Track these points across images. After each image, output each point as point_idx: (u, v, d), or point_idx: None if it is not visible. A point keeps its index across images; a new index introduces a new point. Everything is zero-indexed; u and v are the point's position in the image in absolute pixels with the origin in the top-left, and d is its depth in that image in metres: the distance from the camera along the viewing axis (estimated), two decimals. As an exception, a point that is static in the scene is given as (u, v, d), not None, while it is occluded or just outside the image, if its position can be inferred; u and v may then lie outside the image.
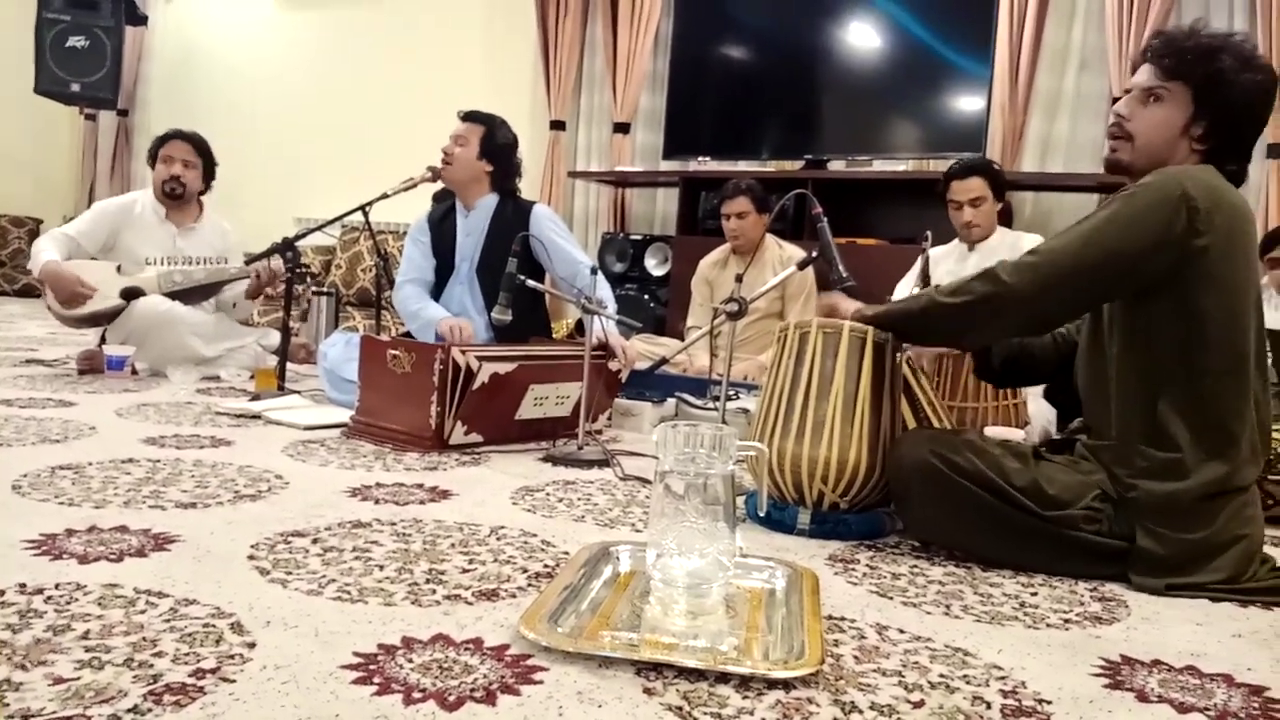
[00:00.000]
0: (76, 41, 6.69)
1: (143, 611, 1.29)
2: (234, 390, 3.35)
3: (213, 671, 1.12)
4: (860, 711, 1.13)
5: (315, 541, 1.66)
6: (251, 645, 1.20)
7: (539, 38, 5.81)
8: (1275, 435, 1.89)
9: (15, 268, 7.16)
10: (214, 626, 1.25)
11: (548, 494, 2.14)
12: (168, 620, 1.26)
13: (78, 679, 1.08)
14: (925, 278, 3.08)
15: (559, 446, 2.58)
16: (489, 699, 1.10)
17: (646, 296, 5.09)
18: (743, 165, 5.09)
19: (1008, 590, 1.64)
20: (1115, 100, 1.85)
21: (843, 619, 1.45)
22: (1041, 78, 4.51)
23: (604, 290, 3.00)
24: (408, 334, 3.22)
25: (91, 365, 3.51)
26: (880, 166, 4.79)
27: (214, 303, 3.85)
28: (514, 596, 1.45)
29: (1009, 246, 3.24)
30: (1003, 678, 1.26)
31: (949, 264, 3.48)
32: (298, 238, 3.41)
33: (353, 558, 1.58)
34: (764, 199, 3.76)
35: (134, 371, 3.48)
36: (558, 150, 5.80)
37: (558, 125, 5.82)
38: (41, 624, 1.22)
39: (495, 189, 3.22)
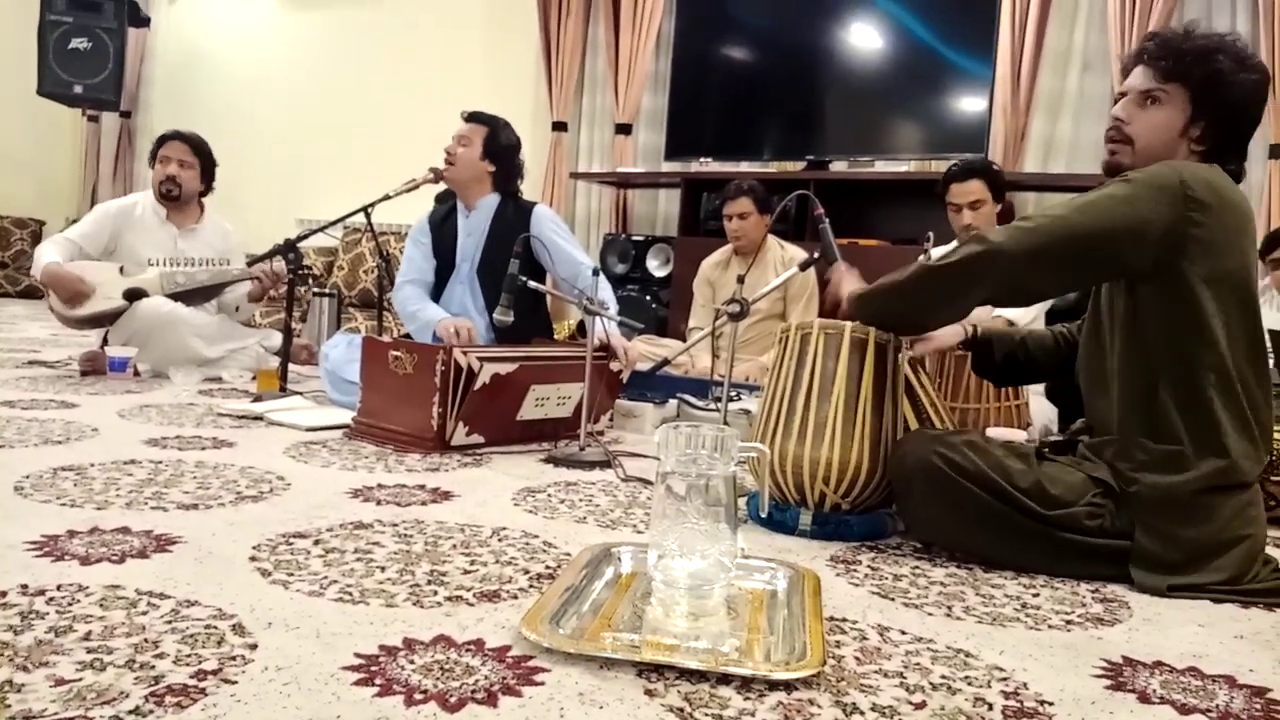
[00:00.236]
0: (79, 43, 6.70)
1: (144, 613, 1.29)
2: (236, 391, 3.35)
3: (214, 673, 1.12)
4: (862, 713, 1.13)
5: (317, 543, 1.66)
6: (253, 646, 1.20)
7: (541, 39, 5.81)
8: (1276, 435, 1.89)
9: (18, 269, 7.17)
10: (215, 628, 1.25)
11: (549, 495, 2.14)
12: (169, 621, 1.26)
13: (79, 680, 1.08)
14: None
15: (560, 448, 2.58)
16: (490, 700, 1.10)
17: (648, 297, 5.09)
18: (744, 166, 5.09)
19: (1009, 591, 1.64)
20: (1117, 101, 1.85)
21: (844, 620, 1.45)
22: (1044, 78, 4.51)
23: (605, 291, 3.00)
24: (409, 335, 3.22)
25: (94, 366, 3.52)
26: (882, 167, 4.78)
27: (216, 304, 3.85)
28: (515, 598, 1.45)
29: None
30: (1004, 679, 1.26)
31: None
32: (300, 239, 3.42)
33: (354, 559, 1.58)
34: (766, 200, 3.76)
35: (136, 373, 3.48)
36: (559, 151, 5.81)
37: (559, 126, 5.82)
38: (43, 625, 1.23)
39: (497, 189, 3.22)
